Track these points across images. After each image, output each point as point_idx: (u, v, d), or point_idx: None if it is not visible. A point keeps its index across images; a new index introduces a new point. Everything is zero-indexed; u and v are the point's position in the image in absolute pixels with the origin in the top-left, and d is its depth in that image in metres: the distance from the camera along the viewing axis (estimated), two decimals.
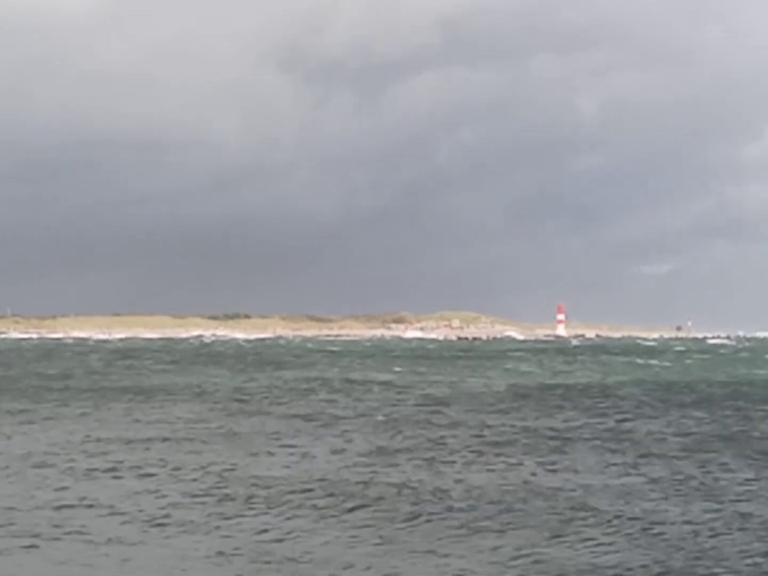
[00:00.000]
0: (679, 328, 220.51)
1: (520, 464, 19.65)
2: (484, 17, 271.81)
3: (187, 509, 15.16)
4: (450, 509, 15.09)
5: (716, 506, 15.39)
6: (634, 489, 16.86)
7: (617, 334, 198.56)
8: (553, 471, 18.85)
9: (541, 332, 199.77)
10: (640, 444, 22.85)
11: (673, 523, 14.09)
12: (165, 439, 23.46)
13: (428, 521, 14.34)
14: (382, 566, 12.02)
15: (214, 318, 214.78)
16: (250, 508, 15.21)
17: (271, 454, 21.13)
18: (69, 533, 13.50)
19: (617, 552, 12.56)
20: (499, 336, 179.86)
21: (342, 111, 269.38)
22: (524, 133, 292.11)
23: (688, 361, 74.40)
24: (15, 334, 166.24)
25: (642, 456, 20.83)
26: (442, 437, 23.91)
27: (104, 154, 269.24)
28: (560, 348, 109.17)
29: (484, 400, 35.82)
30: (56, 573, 11.77)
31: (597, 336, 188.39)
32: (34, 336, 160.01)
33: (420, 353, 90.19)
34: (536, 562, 12.13)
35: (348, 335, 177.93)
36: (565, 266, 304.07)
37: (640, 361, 73.59)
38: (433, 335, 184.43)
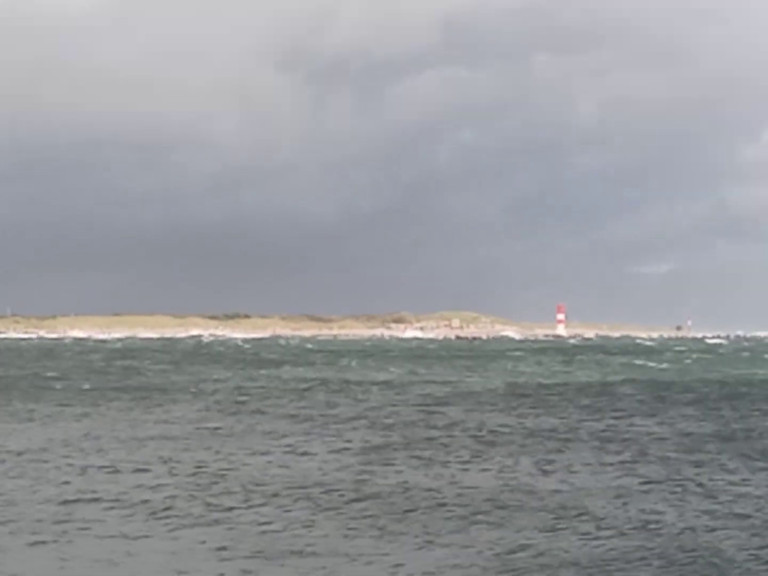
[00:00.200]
0: (679, 328, 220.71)
1: (516, 463, 19.71)
2: (484, 18, 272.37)
3: (187, 504, 15.33)
4: (444, 505, 15.19)
5: (710, 504, 15.48)
6: (630, 488, 16.91)
7: (617, 334, 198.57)
8: (548, 470, 18.93)
9: (541, 332, 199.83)
10: (636, 443, 22.96)
11: (669, 522, 14.17)
12: (164, 438, 23.56)
13: (424, 514, 14.50)
14: (380, 557, 12.26)
15: (214, 318, 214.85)
16: (249, 504, 15.37)
17: (268, 452, 21.19)
18: (74, 528, 13.64)
19: (613, 548, 12.64)
20: (497, 336, 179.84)
21: (342, 111, 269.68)
22: (524, 133, 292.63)
23: (687, 361, 74.45)
24: (13, 334, 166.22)
25: (637, 455, 20.92)
26: (437, 437, 24.00)
27: (105, 155, 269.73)
28: (558, 348, 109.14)
29: (480, 399, 35.91)
30: (65, 568, 11.89)
31: (597, 336, 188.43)
32: (33, 336, 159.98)
33: (419, 353, 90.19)
34: (532, 555, 12.27)
35: (346, 335, 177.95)
36: (565, 266, 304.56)
37: (637, 361, 73.58)
38: (431, 335, 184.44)
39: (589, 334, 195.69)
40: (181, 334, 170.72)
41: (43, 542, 12.88)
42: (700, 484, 17.24)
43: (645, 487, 16.89)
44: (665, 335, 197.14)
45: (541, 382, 47.01)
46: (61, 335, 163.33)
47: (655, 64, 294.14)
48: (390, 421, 27.64)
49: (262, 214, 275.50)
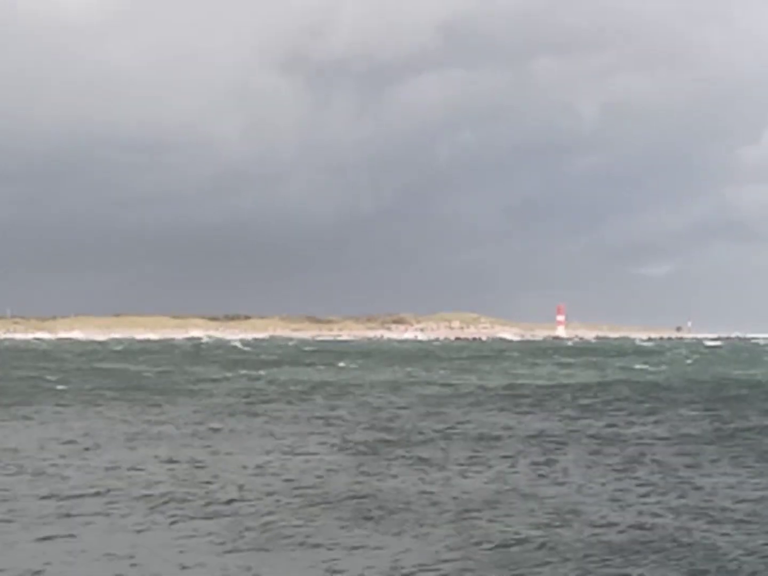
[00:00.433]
0: (678, 329, 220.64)
1: (513, 465, 20.00)
2: (485, 20, 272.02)
3: (187, 498, 15.73)
4: (440, 503, 15.40)
5: (706, 504, 15.65)
6: (626, 489, 17.11)
7: (617, 335, 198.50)
8: (544, 471, 19.15)
9: (541, 333, 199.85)
10: (631, 444, 23.22)
11: (664, 522, 14.33)
12: (162, 437, 23.85)
13: (420, 511, 14.73)
14: (379, 550, 12.67)
15: (214, 319, 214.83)
16: (249, 499, 15.70)
17: (267, 452, 21.41)
18: (79, 523, 14.05)
19: (609, 544, 12.82)
20: (493, 337, 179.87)
21: (343, 113, 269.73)
22: (525, 135, 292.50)
23: (688, 361, 74.48)
24: (10, 335, 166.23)
25: (633, 457, 21.14)
26: (434, 438, 24.26)
27: (105, 156, 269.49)
28: (556, 348, 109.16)
29: (475, 399, 36.16)
30: (73, 563, 12.12)
31: (597, 337, 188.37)
32: (30, 337, 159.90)
33: (419, 354, 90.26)
34: (528, 550, 12.54)
35: (343, 336, 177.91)
36: (565, 267, 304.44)
37: (619, 363, 73.70)
38: (431, 336, 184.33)
39: (590, 335, 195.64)
40: (178, 335, 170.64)
41: (50, 537, 13.19)
42: (697, 487, 17.24)
43: (642, 490, 16.93)
44: (665, 336, 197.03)
45: (538, 384, 47.10)
46: (59, 336, 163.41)
47: (656, 66, 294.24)
48: (390, 423, 27.77)
49: (263, 215, 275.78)
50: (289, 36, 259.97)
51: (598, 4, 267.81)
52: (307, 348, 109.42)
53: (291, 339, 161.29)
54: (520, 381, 48.69)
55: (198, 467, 18.98)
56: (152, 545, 12.86)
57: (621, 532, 13.50)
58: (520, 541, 12.88)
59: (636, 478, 18.17)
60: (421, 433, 25.07)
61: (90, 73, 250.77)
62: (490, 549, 12.60)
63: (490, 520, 14.19)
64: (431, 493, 16.40)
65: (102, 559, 12.19)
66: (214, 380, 47.62)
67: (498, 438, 24.17)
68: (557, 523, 14.01)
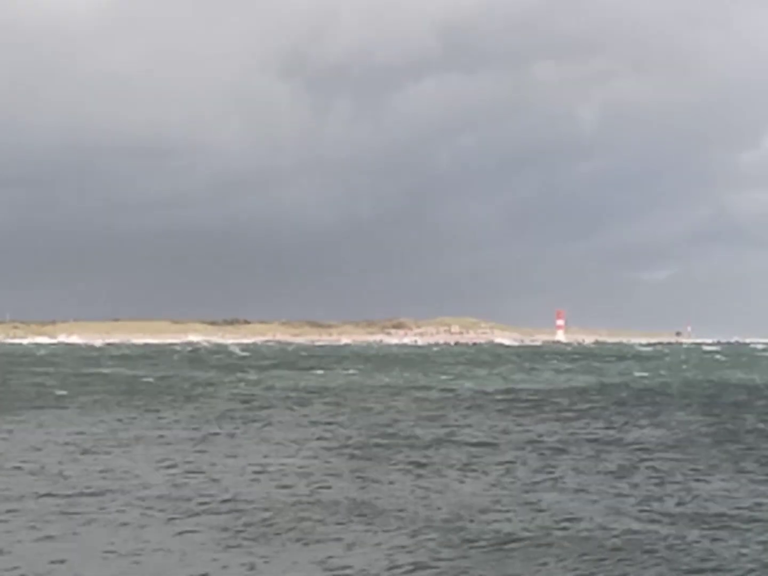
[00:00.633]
0: (678, 334, 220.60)
1: (510, 471, 20.01)
2: (484, 24, 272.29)
3: (184, 496, 16.12)
4: (433, 506, 15.46)
5: (702, 510, 15.66)
6: (621, 495, 17.14)
7: (616, 340, 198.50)
8: (535, 476, 19.14)
9: (540, 338, 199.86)
10: (626, 449, 23.24)
11: (659, 529, 14.37)
12: (158, 439, 24.05)
13: (416, 510, 14.77)
14: (375, 546, 12.93)
15: (213, 324, 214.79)
16: (246, 495, 16.02)
17: (263, 453, 21.63)
18: (79, 523, 14.38)
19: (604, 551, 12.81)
20: (491, 342, 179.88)
21: (342, 117, 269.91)
22: (524, 139, 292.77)
23: (686, 366, 74.45)
24: (11, 340, 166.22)
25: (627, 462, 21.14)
26: (429, 441, 24.31)
27: (105, 159, 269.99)
28: (553, 353, 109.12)
29: (472, 404, 36.15)
30: (75, 560, 12.35)
31: (596, 342, 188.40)
32: (26, 341, 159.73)
33: (416, 359, 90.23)
34: (523, 546, 12.75)
35: (342, 341, 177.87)
36: (564, 272, 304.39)
37: (620, 367, 73.76)
38: (423, 341, 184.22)
39: (589, 340, 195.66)
40: (177, 340, 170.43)
41: (52, 537, 13.53)
42: (695, 493, 17.14)
43: (639, 495, 16.87)
44: (665, 341, 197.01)
45: (536, 388, 47.06)
46: (58, 341, 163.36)
47: (655, 70, 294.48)
48: (388, 428, 27.74)
49: (262, 219, 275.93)
50: (288, 41, 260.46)
51: (597, 9, 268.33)
52: (306, 353, 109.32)
53: (290, 344, 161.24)
54: (518, 386, 48.68)
55: (196, 471, 19.09)
56: (152, 543, 13.09)
57: (617, 536, 13.47)
58: (517, 543, 12.96)
59: (633, 483, 18.14)
60: (418, 437, 25.09)
61: (90, 78, 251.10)
62: (485, 549, 12.69)
63: (487, 522, 14.25)
64: (428, 497, 16.45)
65: (103, 557, 12.40)
66: (212, 385, 47.64)
67: (495, 442, 24.20)
68: (553, 526, 14.03)
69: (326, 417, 30.73)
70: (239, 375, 57.20)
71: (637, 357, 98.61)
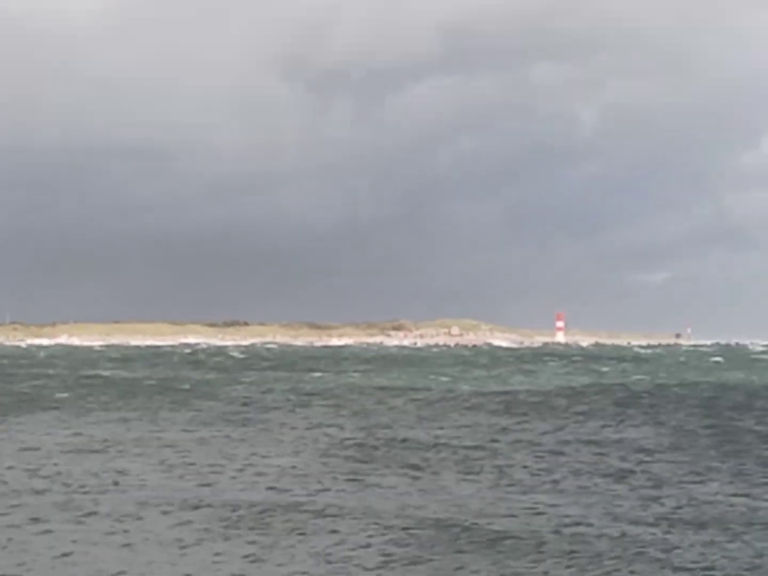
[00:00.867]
0: (678, 336, 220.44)
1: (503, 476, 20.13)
2: (484, 26, 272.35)
3: (181, 500, 16.19)
4: (428, 506, 15.55)
5: (698, 514, 15.79)
6: (618, 496, 17.31)
7: (616, 342, 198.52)
8: (531, 478, 19.25)
9: (540, 339, 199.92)
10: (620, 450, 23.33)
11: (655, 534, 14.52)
12: (153, 441, 24.24)
13: (408, 514, 14.82)
14: (363, 539, 13.04)
15: (213, 326, 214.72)
16: (240, 494, 16.09)
17: (259, 455, 21.75)
18: (77, 515, 14.93)
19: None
20: (487, 343, 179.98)
21: (342, 119, 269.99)
22: (523, 141, 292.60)
23: (685, 368, 74.42)
24: (12, 342, 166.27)
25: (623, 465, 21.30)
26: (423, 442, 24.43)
27: (105, 161, 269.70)
28: (551, 354, 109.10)
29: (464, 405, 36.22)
30: (77, 552, 12.81)
31: (596, 344, 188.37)
32: (23, 344, 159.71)
33: (414, 361, 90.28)
34: (514, 542, 13.00)
35: (342, 343, 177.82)
36: (564, 274, 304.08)
37: (619, 368, 73.85)
38: (422, 343, 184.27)
39: (589, 341, 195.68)
40: (177, 342, 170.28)
41: (51, 531, 13.99)
42: (692, 496, 17.16)
43: (636, 498, 16.95)
44: (664, 343, 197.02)
45: (533, 389, 47.16)
46: (58, 342, 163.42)
47: (655, 71, 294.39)
48: (385, 429, 27.86)
49: (262, 221, 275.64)
50: (288, 43, 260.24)
51: (596, 10, 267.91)
52: (305, 354, 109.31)
53: (290, 345, 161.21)
54: (515, 387, 48.73)
55: (194, 472, 19.26)
56: (150, 539, 13.46)
57: (612, 538, 13.54)
58: (512, 542, 13.13)
59: (630, 485, 18.21)
60: (416, 439, 25.18)
61: (90, 81, 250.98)
62: (480, 547, 12.89)
63: (483, 522, 14.35)
64: (425, 497, 16.58)
65: (104, 552, 12.77)
66: (210, 387, 47.68)
67: (492, 444, 24.28)
68: (549, 527, 14.13)
69: (325, 419, 30.82)
70: (238, 377, 57.24)
71: (636, 359, 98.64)
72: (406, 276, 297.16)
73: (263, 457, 21.66)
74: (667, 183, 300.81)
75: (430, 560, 12.34)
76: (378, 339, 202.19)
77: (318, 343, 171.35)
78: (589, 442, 24.66)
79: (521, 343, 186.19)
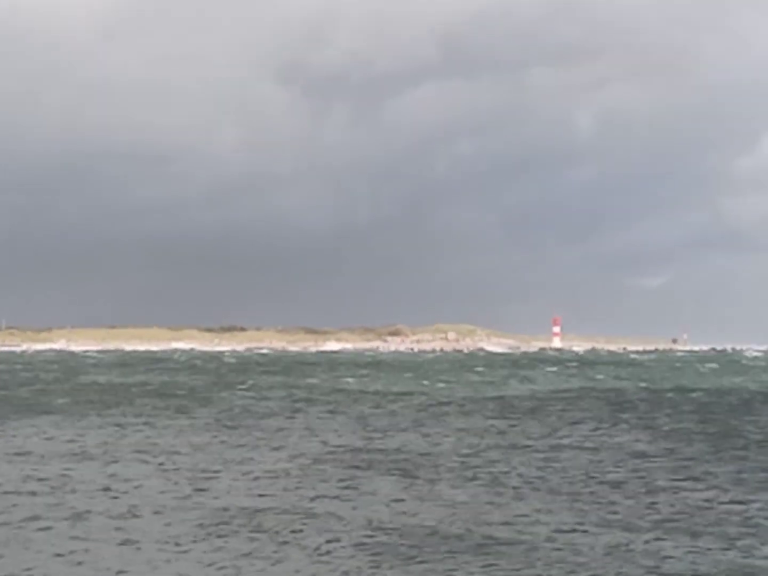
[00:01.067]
0: (674, 341, 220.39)
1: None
2: (482, 30, 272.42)
3: (177, 505, 16.38)
4: (422, 511, 15.64)
5: (687, 518, 15.87)
6: (612, 502, 17.37)
7: (612, 347, 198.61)
8: (524, 483, 19.35)
9: (537, 344, 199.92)
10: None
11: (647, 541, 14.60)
12: (148, 448, 24.27)
13: (402, 516, 14.91)
14: (357, 538, 12.84)
15: (209, 330, 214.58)
16: (236, 491, 16.57)
17: (257, 463, 21.80)
18: (72, 518, 15.20)
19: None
20: (479, 348, 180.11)
21: (340, 123, 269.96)
22: (521, 145, 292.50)
23: (681, 373, 74.57)
24: (8, 347, 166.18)
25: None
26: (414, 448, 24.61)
27: (101, 167, 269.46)
28: (544, 360, 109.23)
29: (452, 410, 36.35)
30: (77, 549, 13.16)
31: (593, 349, 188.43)
32: (17, 349, 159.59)
33: (409, 366, 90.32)
34: (503, 552, 13.07)
35: (338, 348, 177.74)
36: (561, 278, 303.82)
37: (614, 373, 73.98)
38: (419, 348, 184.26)
39: (585, 346, 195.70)
40: (173, 347, 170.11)
41: (50, 528, 14.44)
42: (687, 502, 17.20)
43: (630, 503, 17.00)
44: (661, 348, 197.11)
45: (527, 395, 47.24)
46: (54, 347, 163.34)
47: (651, 75, 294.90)
48: (379, 435, 27.99)
49: (259, 225, 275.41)
50: (286, 46, 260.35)
51: (593, 15, 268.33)
52: (301, 360, 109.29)
53: (286, 350, 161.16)
54: (509, 392, 48.82)
55: (187, 477, 19.39)
56: (145, 542, 13.65)
57: (605, 544, 13.61)
58: (503, 547, 13.29)
59: (624, 490, 18.25)
60: (409, 444, 25.27)
61: (88, 84, 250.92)
62: (471, 551, 13.06)
63: (474, 527, 14.51)
64: (417, 502, 16.68)
65: (103, 551, 13.11)
66: (206, 393, 47.74)
67: (486, 449, 24.33)
68: (541, 532, 14.22)
69: (320, 424, 30.88)
70: (233, 383, 57.27)
71: (631, 364, 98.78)
72: (403, 280, 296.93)
73: (258, 462, 21.74)
74: (664, 187, 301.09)
75: (422, 565, 12.42)
76: (374, 344, 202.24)
77: (313, 349, 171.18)
78: (583, 448, 24.73)
79: (518, 348, 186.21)
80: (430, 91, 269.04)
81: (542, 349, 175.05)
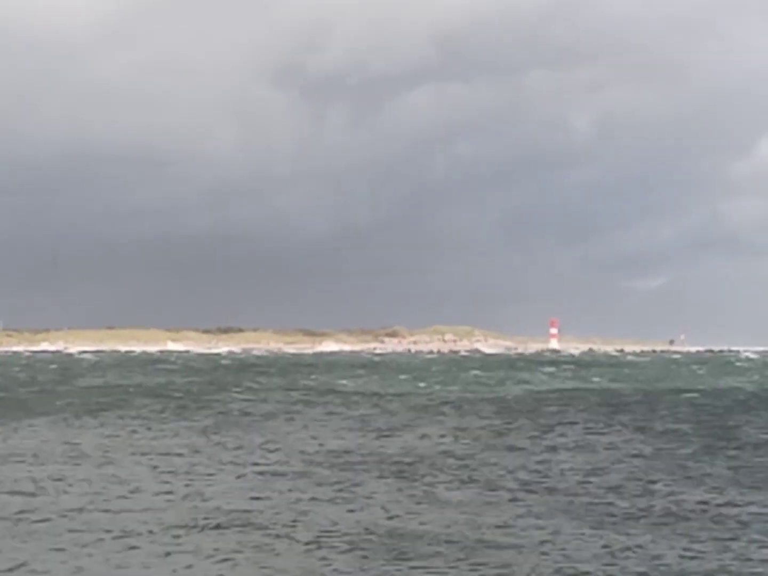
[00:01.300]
0: (671, 342, 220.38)
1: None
2: (480, 33, 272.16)
3: (173, 507, 16.37)
4: (417, 512, 15.72)
5: (682, 521, 15.90)
6: (609, 504, 17.38)
7: (609, 348, 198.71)
8: (519, 484, 19.41)
9: (534, 346, 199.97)
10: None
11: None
12: (144, 451, 24.26)
13: (397, 519, 14.94)
14: (341, 548, 12.87)
15: (207, 332, 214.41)
16: (232, 490, 16.40)
17: (251, 464, 21.82)
18: (67, 519, 15.35)
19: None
20: (473, 349, 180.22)
21: (338, 126, 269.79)
22: (519, 148, 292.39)
23: (676, 373, 74.67)
24: (7, 348, 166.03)
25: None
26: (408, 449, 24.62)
27: (100, 169, 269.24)
28: (540, 361, 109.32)
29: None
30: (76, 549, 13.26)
31: (590, 350, 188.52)
32: (9, 351, 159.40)
33: (405, 368, 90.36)
34: (494, 552, 13.13)
35: (336, 349, 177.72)
36: (559, 280, 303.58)
37: (610, 375, 74.11)
38: (416, 349, 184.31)
39: (583, 348, 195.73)
40: (170, 348, 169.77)
41: (44, 527, 14.65)
42: (682, 506, 17.12)
43: (626, 506, 16.99)
44: (658, 349, 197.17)
45: (523, 395, 47.30)
46: (51, 349, 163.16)
47: (649, 79, 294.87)
48: (376, 437, 27.99)
49: (257, 227, 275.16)
50: (284, 49, 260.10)
51: (591, 19, 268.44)
52: (298, 361, 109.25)
53: (283, 352, 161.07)
54: (504, 393, 48.88)
55: (183, 480, 19.38)
56: (141, 544, 13.70)
57: (599, 547, 13.63)
58: (494, 550, 13.26)
59: (619, 492, 18.25)
60: (405, 446, 25.29)
61: (87, 88, 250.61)
62: (461, 552, 13.09)
63: (467, 532, 14.44)
64: (411, 505, 16.67)
65: (99, 551, 13.20)
66: (203, 394, 47.66)
67: (481, 451, 24.35)
68: (536, 537, 14.23)
69: (315, 425, 30.91)
70: (230, 384, 57.26)
71: (627, 365, 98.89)
72: (401, 282, 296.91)
73: (254, 464, 21.75)
74: (661, 190, 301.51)
75: (416, 566, 12.45)
76: (372, 345, 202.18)
77: (311, 350, 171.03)
78: (578, 449, 24.77)
79: (514, 349, 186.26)
80: (429, 93, 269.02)
81: (540, 351, 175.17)
